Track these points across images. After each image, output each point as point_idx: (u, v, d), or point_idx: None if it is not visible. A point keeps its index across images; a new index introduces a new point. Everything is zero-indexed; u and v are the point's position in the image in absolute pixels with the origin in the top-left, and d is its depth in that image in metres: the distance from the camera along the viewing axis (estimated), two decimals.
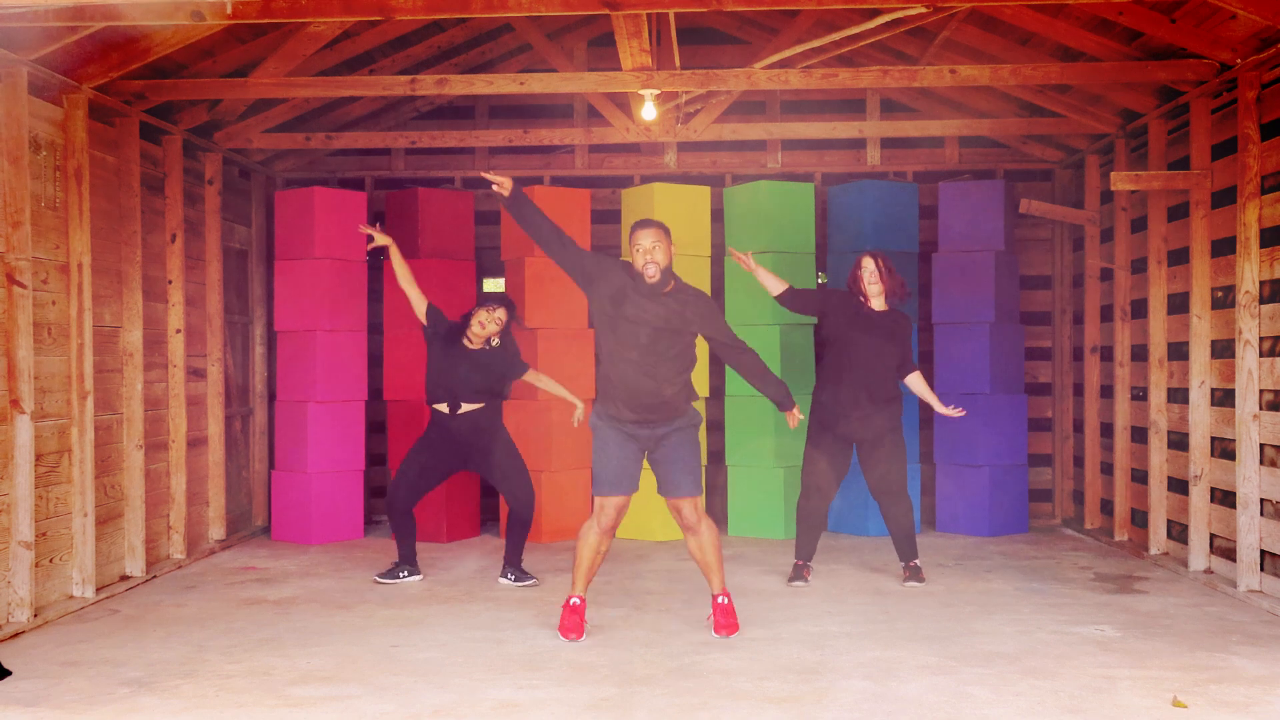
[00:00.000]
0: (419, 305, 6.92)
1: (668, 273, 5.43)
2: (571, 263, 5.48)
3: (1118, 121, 8.12)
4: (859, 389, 6.62)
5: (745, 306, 8.66)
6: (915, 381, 6.84)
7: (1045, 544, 8.31)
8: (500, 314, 6.81)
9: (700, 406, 8.65)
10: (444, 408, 6.84)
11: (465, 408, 6.83)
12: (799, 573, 6.82)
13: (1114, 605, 6.21)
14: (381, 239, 6.94)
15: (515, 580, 6.84)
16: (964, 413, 6.89)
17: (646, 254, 5.38)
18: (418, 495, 6.94)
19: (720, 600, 5.65)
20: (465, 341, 6.83)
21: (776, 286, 6.82)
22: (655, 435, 5.54)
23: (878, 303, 6.72)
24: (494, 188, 5.41)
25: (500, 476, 6.89)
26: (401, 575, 6.92)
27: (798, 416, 5.80)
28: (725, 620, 5.60)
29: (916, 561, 6.85)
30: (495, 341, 6.86)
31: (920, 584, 6.75)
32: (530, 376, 7.03)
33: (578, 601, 5.59)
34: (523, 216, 5.45)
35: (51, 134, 6.27)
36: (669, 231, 5.52)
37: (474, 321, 6.78)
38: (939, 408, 6.81)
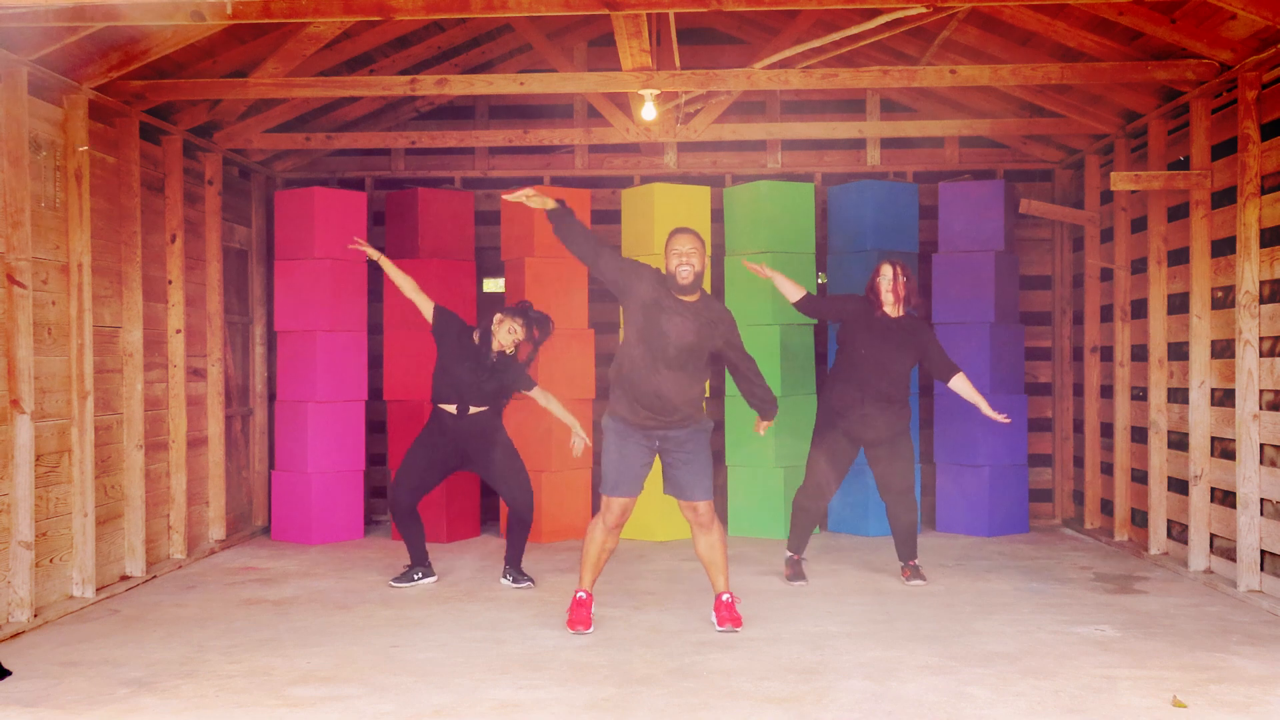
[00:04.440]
0: (426, 309, 6.83)
1: (699, 279, 5.55)
2: (608, 274, 5.57)
3: (1118, 121, 8.12)
4: (865, 391, 6.68)
5: (745, 306, 8.65)
6: (960, 384, 6.75)
7: (1045, 544, 8.31)
8: (517, 325, 6.69)
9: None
10: (452, 409, 6.79)
11: (473, 410, 6.79)
12: (797, 570, 6.85)
13: (1114, 605, 6.21)
14: (372, 253, 6.95)
15: (513, 581, 6.83)
16: (1009, 420, 6.87)
17: (683, 257, 5.50)
18: (420, 494, 6.87)
19: (725, 597, 5.72)
20: (482, 346, 6.72)
21: (795, 293, 6.89)
22: (667, 438, 5.63)
23: (892, 310, 6.76)
24: (535, 206, 5.53)
25: (499, 478, 6.86)
26: (416, 578, 6.87)
27: (767, 426, 6.04)
28: (733, 614, 5.67)
29: (916, 561, 6.88)
30: (510, 350, 6.77)
31: (923, 582, 6.77)
32: (538, 394, 6.83)
33: (584, 596, 5.72)
34: (568, 229, 5.54)
35: (51, 134, 6.27)
36: (704, 244, 5.65)
37: (500, 329, 6.68)
38: (987, 411, 6.68)
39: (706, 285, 8.61)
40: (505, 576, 6.86)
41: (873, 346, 6.68)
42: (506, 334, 6.69)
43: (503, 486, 6.86)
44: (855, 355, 6.73)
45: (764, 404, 5.86)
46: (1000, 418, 6.69)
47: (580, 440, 6.65)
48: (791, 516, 6.97)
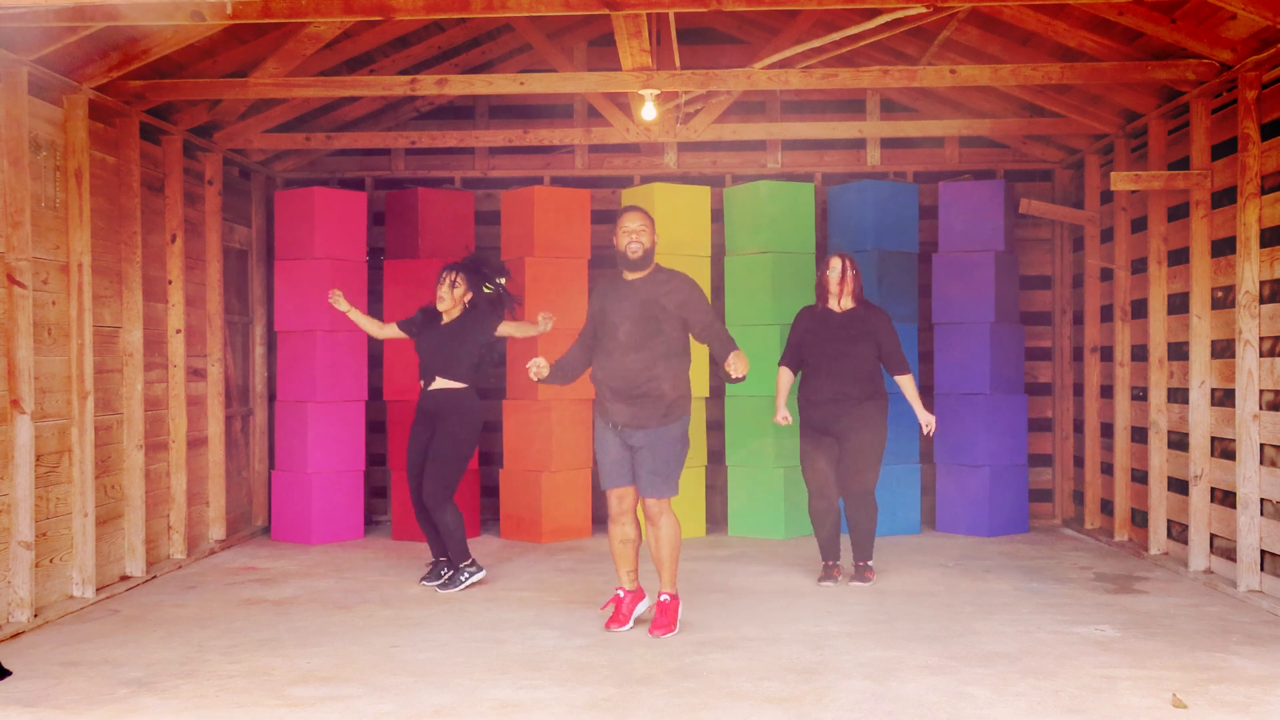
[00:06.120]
0: (394, 333, 7.07)
1: (650, 255, 5.66)
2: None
3: (1118, 121, 8.12)
4: (829, 387, 6.68)
5: (744, 307, 8.66)
6: (904, 383, 6.77)
7: (1045, 544, 8.30)
8: (452, 278, 6.79)
9: (700, 406, 8.66)
10: (423, 383, 6.85)
11: (439, 383, 6.76)
12: (828, 573, 6.82)
13: (1114, 605, 6.21)
14: (343, 306, 6.97)
15: (447, 583, 6.66)
16: (931, 428, 6.69)
17: (632, 235, 5.64)
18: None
19: (662, 598, 5.69)
20: (433, 312, 6.91)
21: (787, 376, 6.91)
22: (638, 433, 5.63)
23: (840, 304, 6.78)
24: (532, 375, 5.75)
25: (430, 457, 6.68)
26: (464, 579, 6.67)
27: (738, 366, 5.38)
28: (663, 620, 5.63)
29: (868, 562, 6.82)
30: (454, 305, 6.82)
31: (862, 584, 6.73)
32: (504, 328, 6.90)
33: (621, 594, 5.80)
34: (568, 376, 5.87)
35: (51, 134, 6.27)
36: (654, 221, 5.76)
37: (440, 288, 6.82)
38: (919, 413, 6.72)
39: (706, 287, 8.68)
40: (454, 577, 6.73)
41: (824, 345, 6.71)
42: (446, 289, 6.78)
43: (428, 467, 6.69)
44: (811, 356, 6.77)
45: (725, 350, 5.54)
46: (927, 424, 6.66)
47: (544, 320, 6.96)
48: (812, 525, 6.97)
